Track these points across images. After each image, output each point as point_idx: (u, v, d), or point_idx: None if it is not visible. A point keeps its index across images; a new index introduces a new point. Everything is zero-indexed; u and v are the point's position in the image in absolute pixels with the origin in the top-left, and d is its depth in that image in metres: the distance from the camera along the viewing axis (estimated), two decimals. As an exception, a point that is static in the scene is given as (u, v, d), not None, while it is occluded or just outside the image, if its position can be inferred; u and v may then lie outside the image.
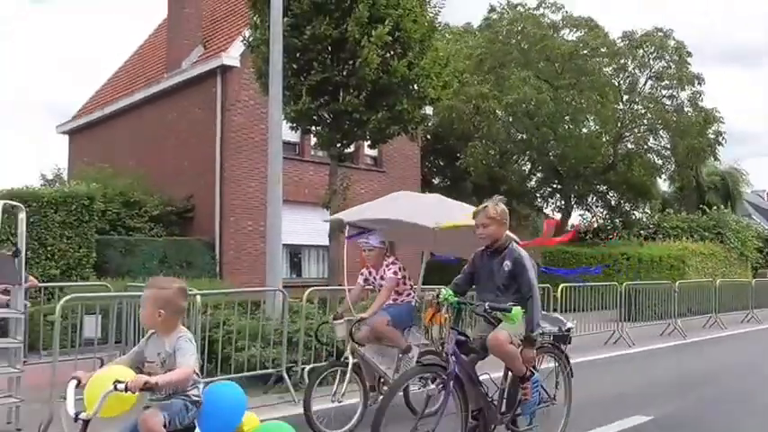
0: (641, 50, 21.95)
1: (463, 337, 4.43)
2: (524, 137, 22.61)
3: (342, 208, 10.47)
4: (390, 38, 9.32)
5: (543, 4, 22.66)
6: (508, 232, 4.76)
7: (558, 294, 10.38)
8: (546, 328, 5.00)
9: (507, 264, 4.48)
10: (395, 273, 5.77)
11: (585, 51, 21.69)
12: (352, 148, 12.74)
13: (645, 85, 22.50)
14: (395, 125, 10.55)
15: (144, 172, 16.27)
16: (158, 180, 16.19)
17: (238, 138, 15.55)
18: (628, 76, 22.37)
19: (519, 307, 4.29)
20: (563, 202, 26.34)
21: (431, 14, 10.35)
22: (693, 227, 27.64)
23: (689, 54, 21.80)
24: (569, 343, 5.14)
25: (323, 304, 8.74)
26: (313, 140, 12.35)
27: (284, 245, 10.47)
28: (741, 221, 30.39)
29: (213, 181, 15.49)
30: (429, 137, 22.85)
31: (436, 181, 27.57)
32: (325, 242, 11.55)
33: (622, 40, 22.30)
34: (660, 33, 21.82)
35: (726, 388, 7.48)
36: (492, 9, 23.57)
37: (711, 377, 8.23)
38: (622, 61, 22.05)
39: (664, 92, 22.08)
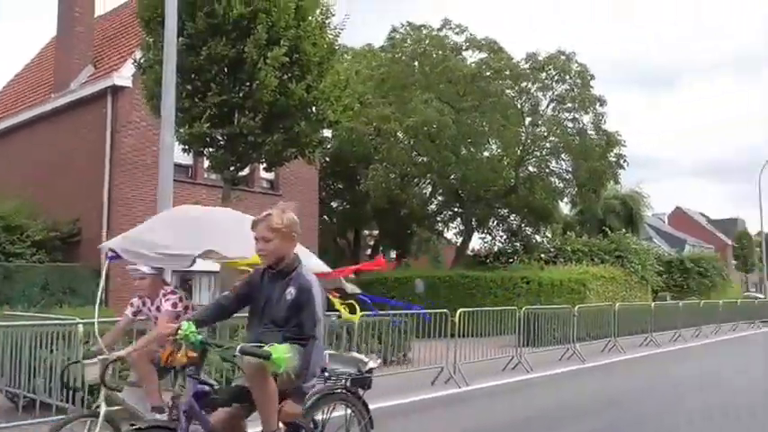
0: (544, 73, 23.40)
1: (206, 387, 3.69)
2: (425, 160, 23.52)
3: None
4: (288, 60, 9.77)
5: (447, 26, 23.80)
6: (300, 247, 4.22)
7: (456, 319, 10.95)
8: (339, 369, 4.52)
9: (291, 291, 3.82)
10: (173, 305, 5.17)
11: (488, 73, 22.88)
12: (246, 171, 13.04)
13: (547, 107, 23.97)
14: (292, 148, 11.00)
15: (29, 195, 16.21)
16: (44, 203, 16.20)
17: (129, 159, 15.71)
18: (530, 99, 23.75)
19: (287, 346, 3.61)
20: (463, 226, 27.45)
21: (330, 37, 10.88)
22: (594, 250, 29.37)
23: (591, 77, 23.44)
24: (369, 387, 4.62)
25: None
26: (206, 163, 12.58)
27: (174, 271, 10.58)
28: (642, 245, 32.53)
29: (101, 204, 15.54)
30: (328, 159, 23.35)
31: (335, 204, 28.11)
32: (217, 267, 11.73)
33: (526, 62, 23.69)
34: (563, 56, 23.36)
35: (627, 411, 8.24)
36: (394, 30, 24.56)
37: (612, 401, 9.02)
38: (525, 84, 23.42)
39: (566, 114, 23.56)
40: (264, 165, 12.80)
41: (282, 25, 9.72)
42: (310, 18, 10.57)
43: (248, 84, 9.81)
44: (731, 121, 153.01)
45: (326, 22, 11.06)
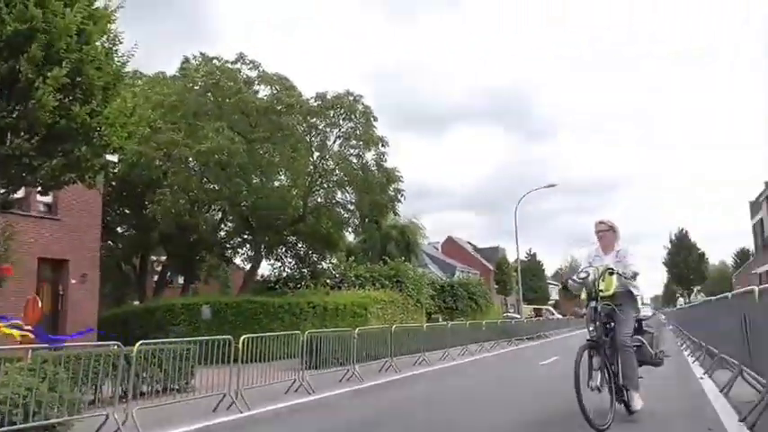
0: (332, 111, 24.11)
1: None
2: (216, 186, 23.13)
3: (3, 258, 9.89)
4: (70, 82, 9.16)
5: (241, 60, 23.75)
6: None
7: (240, 345, 10.81)
8: None
9: None
10: None
11: (280, 108, 23.13)
12: (21, 194, 11.95)
13: (334, 143, 24.69)
14: (71, 172, 10.27)
15: None
16: None
17: None
18: (319, 134, 24.33)
19: None
20: (253, 252, 27.27)
21: (117, 64, 10.38)
22: (376, 276, 30.57)
23: (375, 118, 24.57)
24: None
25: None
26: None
27: None
28: (418, 271, 34.40)
29: None
30: (114, 183, 22.11)
31: (120, 230, 26.61)
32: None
33: (315, 100, 24.26)
34: (351, 97, 24.25)
35: (398, 423, 8.62)
36: (186, 60, 24.04)
37: (385, 415, 9.38)
38: (314, 120, 23.97)
39: (351, 151, 24.43)
40: (39, 188, 11.85)
41: (63, 46, 9.09)
42: (97, 43, 10.00)
43: (24, 104, 9.01)
44: (497, 162, 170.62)
45: (114, 48, 10.53)
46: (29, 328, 9.31)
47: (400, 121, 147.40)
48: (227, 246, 27.38)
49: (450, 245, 74.33)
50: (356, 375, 13.89)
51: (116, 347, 9.14)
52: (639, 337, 7.29)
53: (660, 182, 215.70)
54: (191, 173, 22.50)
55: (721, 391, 9.01)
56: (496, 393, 11.49)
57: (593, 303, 6.81)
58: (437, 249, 68.70)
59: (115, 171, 18.56)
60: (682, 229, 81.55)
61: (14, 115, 9.26)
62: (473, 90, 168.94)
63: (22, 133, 9.44)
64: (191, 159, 21.46)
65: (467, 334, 23.27)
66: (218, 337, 10.77)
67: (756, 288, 7.82)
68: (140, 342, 9.39)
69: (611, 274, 6.93)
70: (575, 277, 7.17)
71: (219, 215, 26.85)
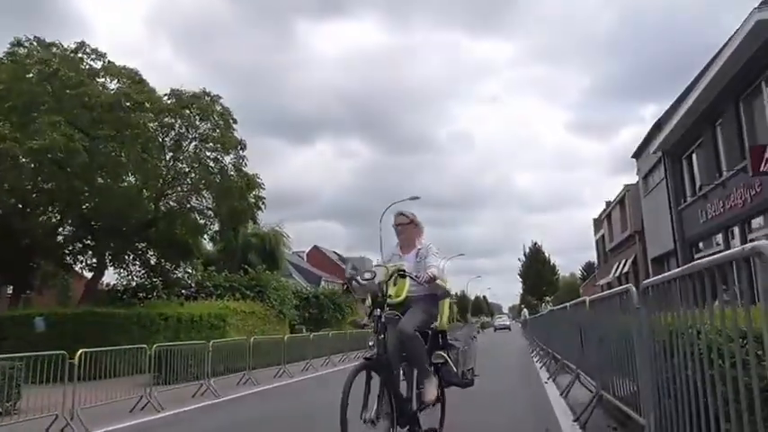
0: (188, 111, 23.05)
1: None
2: (51, 186, 21.41)
3: None
4: None
5: (82, 50, 22.14)
6: None
7: (76, 361, 9.93)
8: None
9: None
10: None
11: (128, 104, 21.75)
12: None
13: (190, 144, 23.62)
14: None
15: None
16: None
17: None
18: (174, 134, 23.17)
19: None
20: (95, 260, 25.54)
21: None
22: (236, 286, 29.81)
23: (234, 120, 23.78)
24: None
25: None
26: None
27: None
28: (281, 281, 33.87)
29: None
30: None
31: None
32: None
33: (169, 98, 23.10)
34: (208, 97, 23.31)
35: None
36: (18, 43, 21.99)
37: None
38: (168, 119, 22.77)
39: (209, 153, 23.48)
40: None
41: None
42: None
43: None
44: (357, 172, 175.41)
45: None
46: None
47: (263, 125, 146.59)
48: (67, 252, 25.39)
49: (316, 254, 74.10)
50: (211, 390, 13.26)
51: None
52: (443, 353, 6.02)
53: (520, 199, 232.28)
54: (21, 171, 20.63)
55: (561, 395, 9.66)
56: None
57: (377, 311, 5.42)
58: (302, 258, 68.23)
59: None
60: (535, 243, 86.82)
61: None
62: (337, 99, 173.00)
63: None
64: (21, 157, 19.59)
65: (331, 345, 23.10)
66: (49, 352, 9.83)
67: (587, 298, 8.92)
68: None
69: (403, 276, 5.69)
70: (359, 278, 5.67)
71: (57, 218, 24.90)
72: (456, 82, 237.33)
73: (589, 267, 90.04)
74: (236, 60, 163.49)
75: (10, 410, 9.95)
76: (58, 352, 9.89)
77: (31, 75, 21.08)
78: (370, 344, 5.43)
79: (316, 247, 76.22)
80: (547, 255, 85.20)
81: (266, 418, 9.91)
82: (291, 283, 40.08)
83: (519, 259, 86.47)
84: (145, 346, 12.43)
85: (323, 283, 57.55)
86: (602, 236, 46.82)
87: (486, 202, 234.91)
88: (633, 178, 34.04)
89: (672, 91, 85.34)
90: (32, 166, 20.23)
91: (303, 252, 71.67)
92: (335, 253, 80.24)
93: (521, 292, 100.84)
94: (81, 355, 10.12)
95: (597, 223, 50.04)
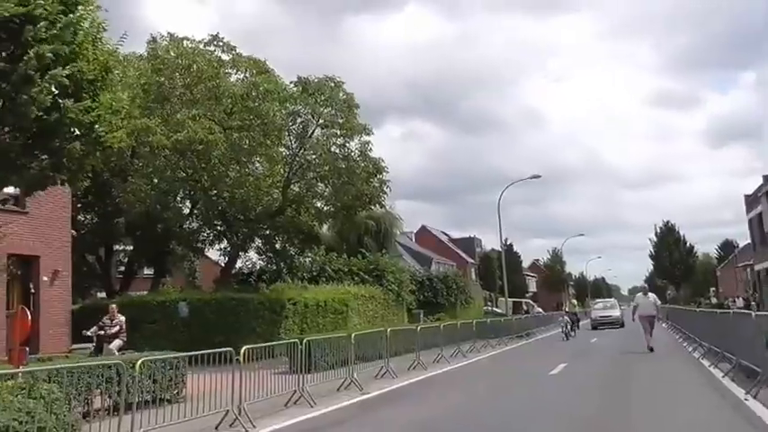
0: (312, 98, 23.69)
1: None
2: (189, 176, 22.70)
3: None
4: (66, 79, 8.76)
5: (215, 42, 23.12)
6: None
7: (242, 357, 10.54)
8: None
9: None
10: None
11: (255, 94, 22.61)
12: (7, 197, 11.50)
13: (315, 131, 24.30)
14: (59, 173, 9.87)
15: None
16: None
17: None
18: (301, 123, 23.90)
19: None
20: (229, 246, 26.92)
21: (104, 55, 9.94)
22: (354, 270, 30.53)
23: (357, 106, 24.20)
24: None
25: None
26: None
27: None
28: (397, 264, 34.37)
29: None
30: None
31: (83, 218, 25.95)
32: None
33: (296, 85, 23.82)
34: (332, 83, 23.86)
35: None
36: (153, 39, 23.29)
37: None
38: (294, 107, 23.51)
39: (334, 140, 24.08)
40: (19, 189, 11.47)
41: (68, 40, 8.69)
42: (81, 32, 9.57)
43: (13, 97, 8.57)
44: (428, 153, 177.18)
45: (98, 36, 10.10)
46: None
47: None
48: (199, 238, 26.91)
49: (424, 234, 74.31)
50: (355, 384, 13.69)
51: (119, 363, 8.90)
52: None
53: (612, 175, 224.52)
54: (162, 161, 21.99)
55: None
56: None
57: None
58: (411, 240, 68.69)
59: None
60: (667, 222, 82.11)
61: (-1, 109, 8.81)
62: (401, 84, 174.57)
63: (7, 129, 9.02)
64: (166, 149, 20.88)
65: (460, 333, 23.34)
66: (217, 350, 10.48)
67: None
68: (143, 358, 9.20)
69: None
70: None
71: (189, 205, 26.40)
72: (520, 62, 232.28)
73: (726, 247, 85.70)
74: (297, 57, 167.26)
75: (176, 399, 10.78)
76: (225, 349, 10.51)
77: (165, 69, 22.30)
78: None
79: (424, 228, 76.45)
80: (681, 234, 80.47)
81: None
82: (406, 267, 40.58)
83: (649, 239, 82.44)
84: (296, 340, 13.01)
85: (434, 264, 57.87)
86: (759, 214, 43.17)
87: (573, 179, 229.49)
88: (742, 151, 32.07)
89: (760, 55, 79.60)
90: (175, 157, 21.45)
91: (411, 233, 71.87)
92: (444, 233, 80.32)
93: (647, 273, 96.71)
94: (245, 352, 10.73)
95: (751, 200, 46.66)
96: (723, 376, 12.61)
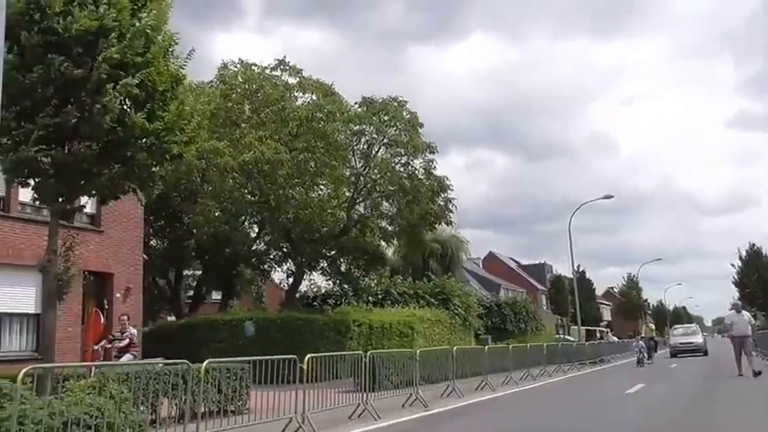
0: (376, 117, 24.10)
1: None
2: (256, 197, 23.25)
3: (63, 271, 9.99)
4: (137, 88, 9.21)
5: (281, 67, 23.82)
6: None
7: (305, 365, 10.70)
8: None
9: None
10: None
11: (320, 115, 23.15)
12: (84, 204, 12.08)
13: (379, 150, 24.64)
14: (129, 180, 10.33)
15: None
16: None
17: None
18: (366, 142, 24.30)
19: None
20: (294, 267, 27.34)
21: (174, 67, 10.41)
22: (420, 293, 30.44)
23: (421, 125, 24.48)
24: None
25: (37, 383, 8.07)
26: (28, 194, 11.39)
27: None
28: (464, 289, 34.17)
29: None
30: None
31: (154, 243, 26.87)
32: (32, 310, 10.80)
33: (360, 106, 24.27)
34: (395, 103, 24.22)
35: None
36: (224, 66, 24.17)
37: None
38: (357, 127, 23.94)
39: (397, 159, 24.35)
40: (94, 198, 11.97)
41: (138, 50, 9.17)
42: (153, 44, 10.05)
43: (88, 108, 9.06)
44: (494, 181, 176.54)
45: (170, 49, 10.59)
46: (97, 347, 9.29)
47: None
48: (267, 259, 27.48)
49: (492, 261, 73.80)
50: (420, 400, 13.71)
51: (185, 366, 9.15)
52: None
53: (689, 200, 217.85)
54: (230, 183, 22.64)
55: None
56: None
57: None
58: (478, 266, 68.25)
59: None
60: (753, 245, 78.66)
61: (74, 120, 9.29)
62: (465, 112, 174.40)
63: (82, 139, 9.50)
64: (233, 170, 21.51)
65: (530, 357, 23.00)
66: (280, 356, 10.70)
67: None
68: (208, 360, 9.45)
69: None
70: None
71: (256, 228, 27.01)
72: (587, 87, 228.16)
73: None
74: (360, 88, 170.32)
75: (241, 410, 11.00)
76: (288, 356, 10.74)
77: (234, 95, 23.10)
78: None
79: (491, 254, 75.92)
80: None
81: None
82: (473, 292, 40.27)
83: (732, 264, 79.20)
84: (360, 352, 13.14)
85: (502, 291, 57.27)
86: None
87: (647, 206, 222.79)
88: None
89: None
90: (242, 178, 22.05)
91: (478, 259, 71.48)
92: (512, 259, 79.46)
93: (733, 300, 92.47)
94: (309, 360, 10.90)
95: None
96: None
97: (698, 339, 37.71)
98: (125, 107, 9.62)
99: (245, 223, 26.12)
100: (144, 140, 9.96)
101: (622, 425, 10.66)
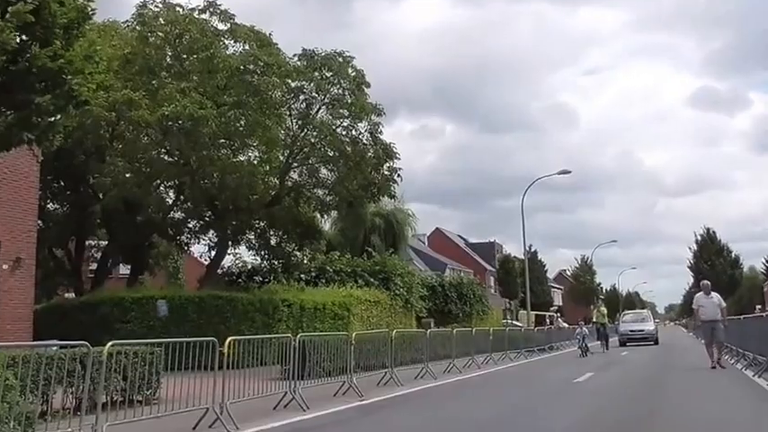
0: (317, 73, 23.53)
1: None
2: (175, 158, 22.51)
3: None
4: (32, 18, 8.58)
5: (210, 10, 22.91)
6: None
7: (225, 348, 10.36)
8: None
9: None
10: None
11: (254, 67, 22.43)
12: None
13: (319, 111, 24.12)
14: (27, 130, 9.70)
15: None
16: None
17: None
18: (304, 100, 23.71)
19: None
20: (217, 239, 26.69)
21: (81, 2, 9.76)
22: (359, 272, 30.25)
23: (368, 85, 24.00)
24: None
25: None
26: None
27: None
28: (407, 267, 34.12)
29: None
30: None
31: (52, 207, 25.78)
32: None
33: (300, 59, 23.63)
34: (340, 58, 23.68)
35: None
36: (144, 5, 23.07)
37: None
38: (296, 84, 23.29)
39: (339, 121, 23.90)
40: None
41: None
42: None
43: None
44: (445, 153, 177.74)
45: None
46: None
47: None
48: (186, 229, 26.73)
49: (439, 238, 74.20)
50: (354, 389, 13.59)
51: (84, 349, 8.69)
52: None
53: (650, 180, 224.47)
54: (147, 140, 21.85)
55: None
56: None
57: None
58: (423, 243, 68.56)
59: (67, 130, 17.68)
60: (708, 229, 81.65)
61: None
62: (413, 75, 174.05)
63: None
64: (150, 125, 20.66)
65: (473, 343, 23.17)
66: (197, 339, 10.35)
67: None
68: (112, 342, 8.99)
69: None
70: None
71: (172, 193, 26.22)
72: (549, 54, 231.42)
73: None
74: (301, 41, 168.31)
75: (151, 400, 10.58)
76: (207, 339, 10.37)
77: (154, 38, 22.16)
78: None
79: (438, 231, 76.31)
80: (724, 243, 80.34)
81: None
82: (417, 271, 40.35)
83: (689, 248, 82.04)
84: (289, 335, 12.89)
85: (448, 271, 57.64)
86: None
87: (607, 185, 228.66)
88: None
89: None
90: (159, 135, 21.29)
91: (424, 236, 71.82)
92: (461, 237, 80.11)
93: (687, 288, 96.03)
94: (230, 342, 10.56)
95: None
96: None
97: (648, 327, 38.67)
98: (23, 42, 8.99)
99: (162, 187, 25.34)
100: (44, 83, 9.35)
101: (568, 415, 10.86)
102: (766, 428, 9.55)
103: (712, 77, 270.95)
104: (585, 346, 27.63)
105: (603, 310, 34.36)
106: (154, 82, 21.69)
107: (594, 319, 34.08)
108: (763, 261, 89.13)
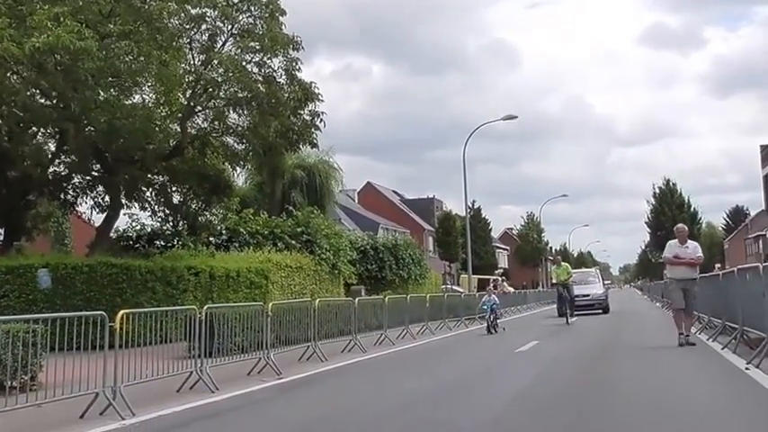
0: (224, -1, 22.88)
1: None
2: (53, 101, 21.74)
3: None
4: None
5: None
6: None
7: (117, 323, 10.13)
8: None
9: None
10: None
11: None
12: None
13: (226, 43, 23.52)
14: None
15: None
16: None
17: None
18: (207, 30, 23.06)
19: None
20: (108, 197, 26.06)
21: None
22: (278, 233, 30.06)
23: (283, 12, 23.43)
24: None
25: None
26: None
27: None
28: (333, 227, 34.08)
29: None
30: None
31: None
32: None
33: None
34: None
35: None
36: None
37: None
38: (196, 11, 22.58)
39: (250, 56, 23.37)
40: None
41: None
42: None
43: None
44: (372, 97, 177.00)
45: None
46: None
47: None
48: (70, 186, 25.99)
49: (370, 194, 74.41)
50: (272, 366, 13.68)
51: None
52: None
53: (602, 129, 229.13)
54: (16, 79, 20.99)
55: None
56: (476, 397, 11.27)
57: None
58: (352, 199, 68.64)
59: None
60: (668, 181, 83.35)
61: None
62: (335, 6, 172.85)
63: None
64: (13, 59, 19.78)
65: (407, 312, 23.37)
66: (83, 313, 10.13)
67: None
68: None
69: None
70: None
71: (53, 143, 25.42)
72: None
73: (736, 215, 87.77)
74: None
75: (29, 387, 10.26)
76: (95, 313, 10.16)
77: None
78: None
79: (370, 185, 76.48)
80: (686, 197, 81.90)
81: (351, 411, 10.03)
82: (345, 232, 40.35)
83: (647, 201, 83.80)
84: (194, 307, 12.72)
85: (381, 230, 57.90)
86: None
87: (555, 133, 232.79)
88: (752, 102, 32.55)
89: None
90: (30, 73, 20.46)
91: (353, 191, 71.91)
92: (395, 193, 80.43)
93: (643, 246, 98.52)
94: (123, 316, 10.33)
95: (766, 154, 47.44)
96: (722, 349, 14.04)
97: (596, 290, 35.91)
98: None
99: (39, 136, 24.56)
100: None
101: (507, 388, 11.19)
102: (720, 395, 9.83)
103: (667, 12, 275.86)
104: (494, 320, 24.73)
105: (566, 265, 30.98)
106: (22, 8, 20.71)
107: (554, 280, 31.27)
108: (724, 216, 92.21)
